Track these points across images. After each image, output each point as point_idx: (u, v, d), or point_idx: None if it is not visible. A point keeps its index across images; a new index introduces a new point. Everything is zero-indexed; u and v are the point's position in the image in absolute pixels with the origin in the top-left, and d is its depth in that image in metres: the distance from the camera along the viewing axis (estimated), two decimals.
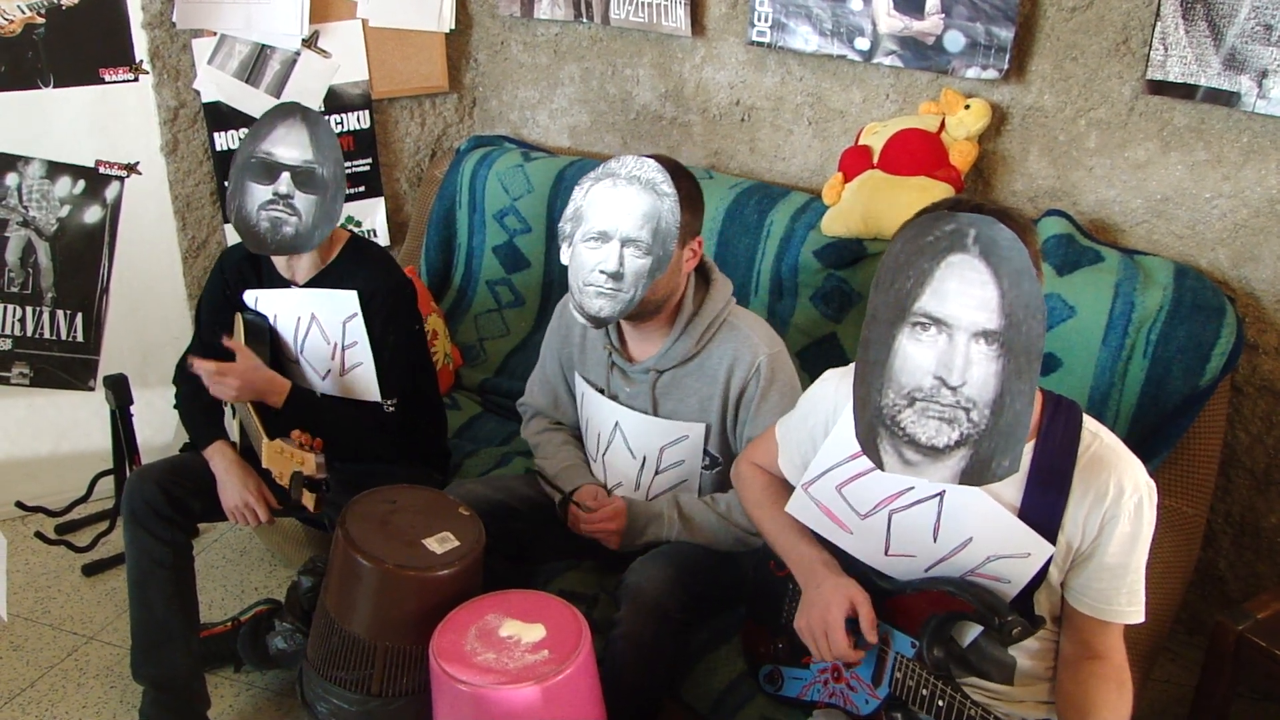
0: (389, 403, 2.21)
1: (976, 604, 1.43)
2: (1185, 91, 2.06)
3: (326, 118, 2.16)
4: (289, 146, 2.13)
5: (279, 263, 2.22)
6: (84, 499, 2.87)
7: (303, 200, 2.12)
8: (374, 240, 3.22)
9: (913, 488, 1.46)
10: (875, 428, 1.34)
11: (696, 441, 1.99)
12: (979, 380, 1.28)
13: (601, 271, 1.87)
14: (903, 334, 1.31)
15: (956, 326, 1.28)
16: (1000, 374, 1.27)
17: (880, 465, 1.36)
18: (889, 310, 1.32)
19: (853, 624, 1.50)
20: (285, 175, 2.12)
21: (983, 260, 1.27)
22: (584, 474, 2.13)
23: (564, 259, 1.97)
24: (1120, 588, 1.42)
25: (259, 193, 2.12)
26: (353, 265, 2.24)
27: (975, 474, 1.31)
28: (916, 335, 1.30)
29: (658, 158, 1.90)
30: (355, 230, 3.20)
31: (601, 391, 2.08)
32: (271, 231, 2.13)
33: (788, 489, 1.66)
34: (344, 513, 1.78)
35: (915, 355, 1.30)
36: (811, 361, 2.42)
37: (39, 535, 2.81)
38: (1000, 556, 1.43)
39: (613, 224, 1.87)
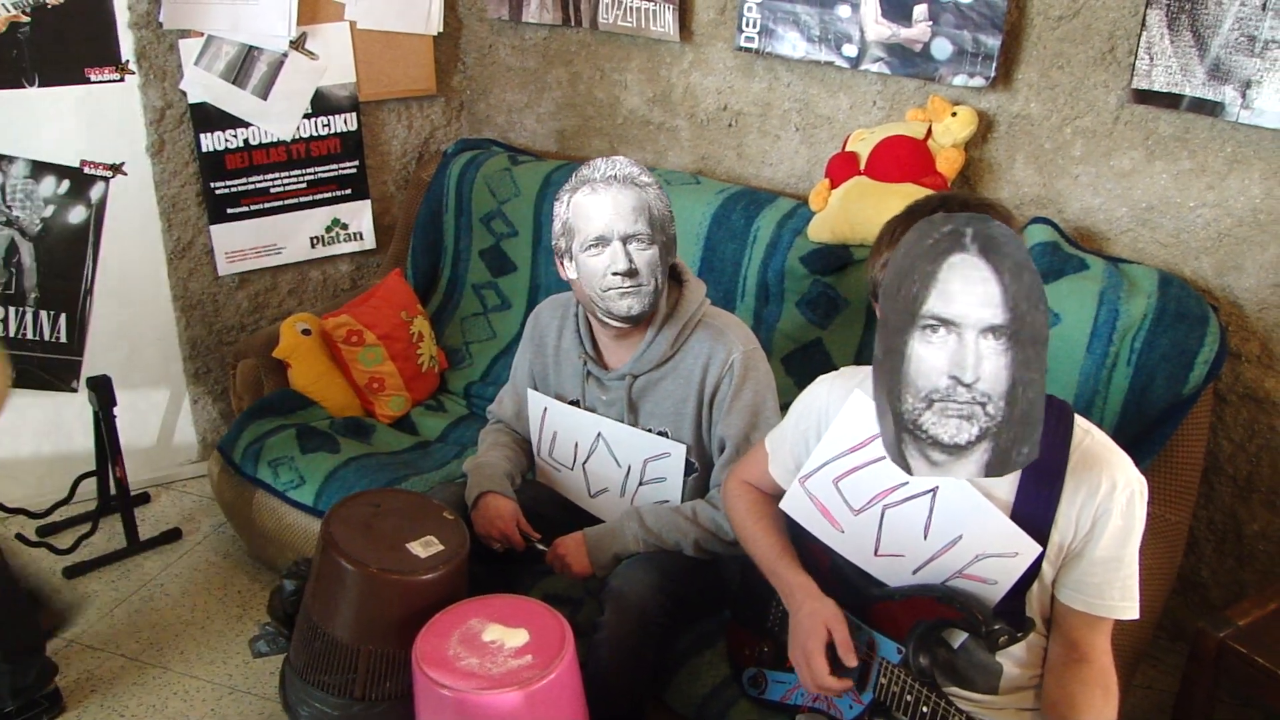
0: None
1: (963, 611, 1.44)
2: (1170, 101, 2.07)
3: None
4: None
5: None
6: (66, 501, 2.85)
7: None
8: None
9: (907, 483, 1.47)
10: (900, 435, 1.36)
11: (678, 460, 1.98)
12: (991, 374, 1.30)
13: (615, 273, 1.87)
14: (914, 338, 1.32)
15: (964, 325, 1.30)
16: (1010, 365, 1.30)
17: (909, 471, 1.37)
18: (899, 317, 1.33)
19: (833, 648, 1.51)
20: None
21: (982, 258, 1.29)
22: (493, 478, 2.06)
23: (569, 274, 1.96)
24: (1114, 581, 1.43)
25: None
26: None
27: (998, 465, 1.33)
28: (927, 338, 1.32)
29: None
30: (360, 241, 3.21)
31: (576, 403, 2.07)
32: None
33: (774, 506, 1.66)
34: (327, 516, 1.78)
35: (928, 357, 1.32)
36: (797, 368, 2.42)
37: (20, 537, 2.79)
38: (989, 555, 1.44)
39: (607, 227, 1.87)
